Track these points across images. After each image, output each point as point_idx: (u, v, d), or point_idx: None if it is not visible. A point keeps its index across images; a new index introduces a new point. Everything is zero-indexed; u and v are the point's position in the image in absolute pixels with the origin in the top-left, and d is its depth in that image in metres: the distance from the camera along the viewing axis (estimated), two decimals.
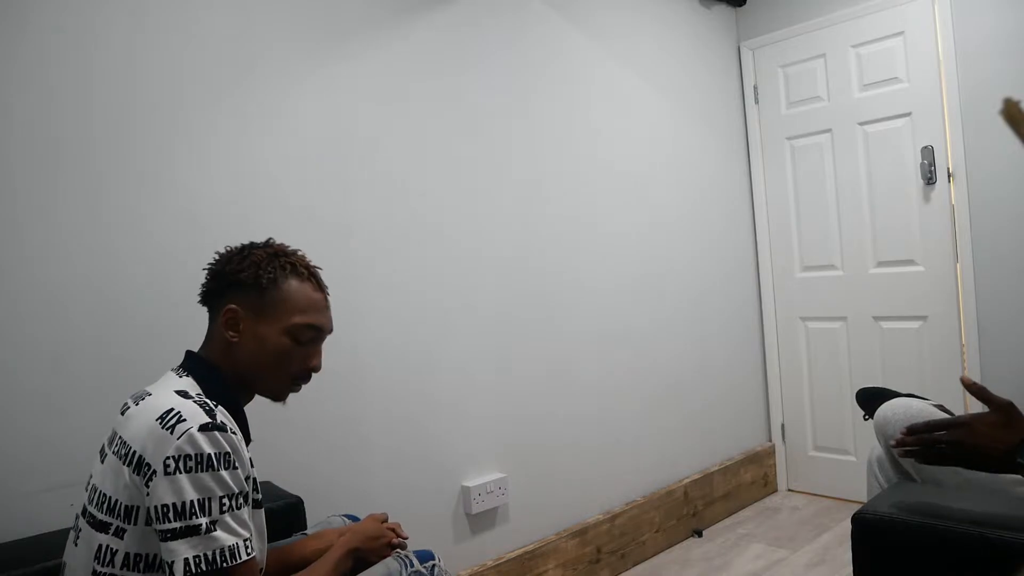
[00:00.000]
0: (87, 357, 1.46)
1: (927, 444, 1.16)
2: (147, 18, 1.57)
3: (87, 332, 1.47)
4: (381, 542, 1.27)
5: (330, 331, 1.20)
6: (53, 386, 1.42)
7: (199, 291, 1.16)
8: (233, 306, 1.10)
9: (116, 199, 1.52)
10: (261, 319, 1.11)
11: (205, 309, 1.17)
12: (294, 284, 1.14)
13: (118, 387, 1.44)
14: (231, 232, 1.29)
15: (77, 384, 1.44)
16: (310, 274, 1.18)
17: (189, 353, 1.14)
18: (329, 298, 1.22)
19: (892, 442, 1.24)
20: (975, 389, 1.17)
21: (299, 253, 1.19)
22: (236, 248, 1.16)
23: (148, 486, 0.94)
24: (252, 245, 1.16)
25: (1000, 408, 1.12)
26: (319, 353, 1.18)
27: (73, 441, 1.41)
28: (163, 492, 0.93)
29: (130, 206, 1.54)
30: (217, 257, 1.16)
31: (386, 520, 1.34)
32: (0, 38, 1.39)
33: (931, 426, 1.17)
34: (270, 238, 1.20)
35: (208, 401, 1.02)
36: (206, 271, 1.16)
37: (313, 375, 1.19)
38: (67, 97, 1.46)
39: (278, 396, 1.18)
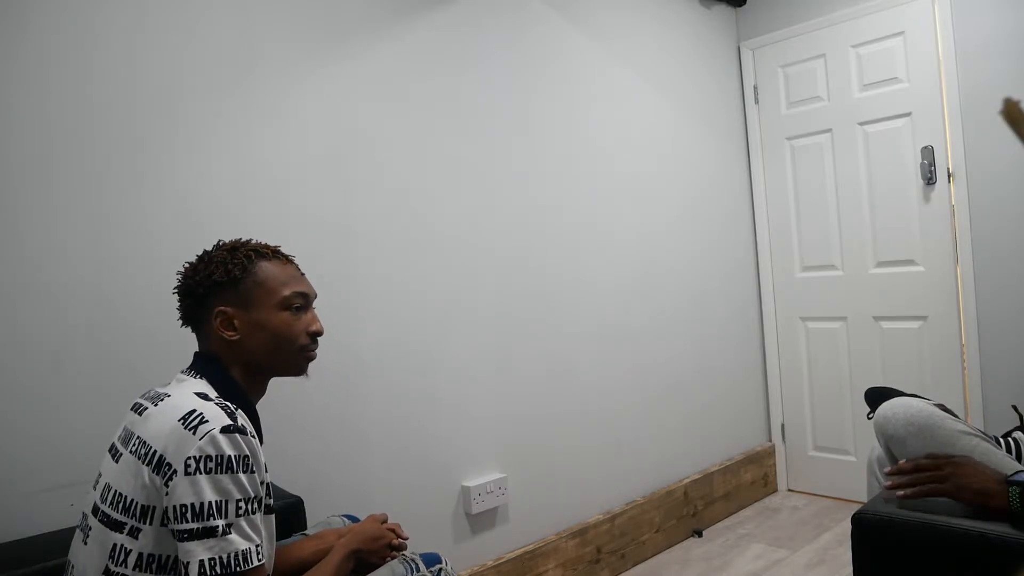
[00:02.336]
0: (87, 357, 1.46)
1: (920, 482, 1.22)
2: (147, 18, 1.57)
3: (87, 332, 1.47)
4: (381, 543, 1.27)
5: (315, 295, 1.22)
6: (53, 386, 1.42)
7: (178, 316, 1.17)
8: (222, 307, 1.11)
9: (116, 199, 1.52)
10: (252, 308, 1.12)
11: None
12: (265, 265, 1.15)
13: (118, 387, 1.44)
14: (231, 232, 1.29)
15: (77, 384, 1.44)
16: (273, 252, 1.19)
17: (198, 355, 1.14)
18: (298, 265, 1.22)
19: (887, 484, 1.27)
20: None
21: (252, 240, 1.20)
22: (193, 261, 1.17)
23: (168, 486, 0.94)
24: (206, 252, 1.17)
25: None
26: (316, 317, 1.20)
27: (73, 441, 1.41)
28: (182, 492, 0.93)
29: (130, 206, 1.54)
30: (180, 279, 1.16)
31: (386, 521, 1.34)
32: (0, 38, 1.39)
33: (925, 463, 1.23)
34: (219, 239, 1.20)
35: (229, 404, 1.02)
36: (176, 293, 1.16)
37: (319, 339, 1.21)
38: (67, 97, 1.46)
39: (299, 369, 1.19)
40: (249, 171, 1.72)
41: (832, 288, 3.00)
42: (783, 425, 3.20)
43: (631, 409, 2.61)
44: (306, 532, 1.42)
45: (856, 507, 1.26)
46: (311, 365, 1.74)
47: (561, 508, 2.35)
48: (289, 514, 1.47)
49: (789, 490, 3.19)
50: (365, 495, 1.86)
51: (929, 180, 2.66)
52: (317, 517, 1.54)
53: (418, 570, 1.25)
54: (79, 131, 1.47)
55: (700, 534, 2.76)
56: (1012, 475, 1.16)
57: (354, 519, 1.49)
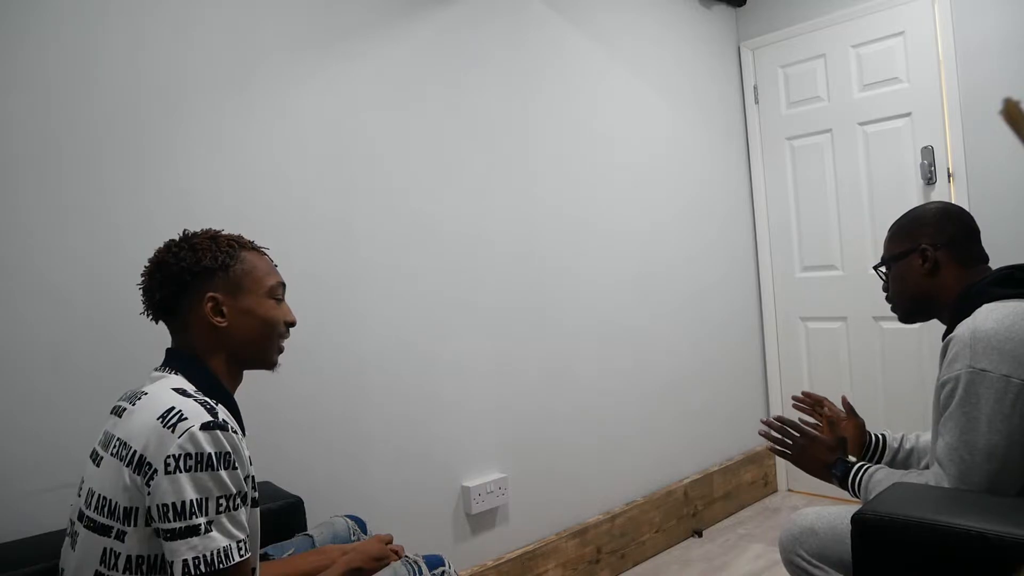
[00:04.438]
0: (89, 356, 1.46)
1: (782, 441, 1.53)
2: (149, 18, 1.57)
3: (89, 331, 1.47)
4: (384, 563, 1.27)
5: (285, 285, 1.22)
6: (54, 385, 1.42)
7: (153, 306, 1.12)
8: (212, 293, 1.10)
9: (119, 198, 1.52)
10: (240, 295, 1.12)
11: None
12: (247, 255, 1.15)
13: (120, 386, 1.43)
14: (233, 231, 1.29)
15: (78, 383, 1.44)
16: (251, 243, 1.19)
17: (171, 351, 1.13)
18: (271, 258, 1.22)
19: (762, 423, 1.60)
20: (848, 408, 1.63)
21: (224, 231, 1.18)
22: (170, 248, 1.13)
23: (149, 485, 0.94)
24: (182, 239, 1.14)
25: (836, 436, 1.52)
26: (289, 309, 1.20)
27: (74, 440, 1.40)
28: (164, 491, 0.92)
29: (132, 205, 1.54)
30: (153, 267, 1.12)
31: (391, 542, 1.34)
32: (0, 38, 1.39)
33: (792, 425, 1.53)
34: (184, 228, 1.17)
35: (208, 400, 1.01)
36: (151, 282, 1.12)
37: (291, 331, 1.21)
38: (70, 98, 1.46)
39: (274, 362, 1.19)
40: (250, 171, 1.72)
41: (832, 288, 3.00)
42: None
43: (631, 409, 2.61)
44: (307, 532, 1.43)
45: (855, 507, 1.26)
46: (309, 362, 1.74)
47: (561, 508, 2.35)
48: (289, 514, 1.47)
49: (789, 490, 3.19)
50: (365, 495, 1.86)
51: (929, 180, 2.66)
52: (317, 517, 1.54)
53: (420, 573, 1.25)
54: (82, 132, 1.47)
55: (700, 534, 2.76)
56: (838, 459, 1.45)
57: (357, 519, 1.49)
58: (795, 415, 1.69)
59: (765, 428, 1.56)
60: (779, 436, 1.54)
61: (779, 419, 1.55)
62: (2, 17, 1.39)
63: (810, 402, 1.66)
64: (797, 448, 1.51)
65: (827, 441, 1.51)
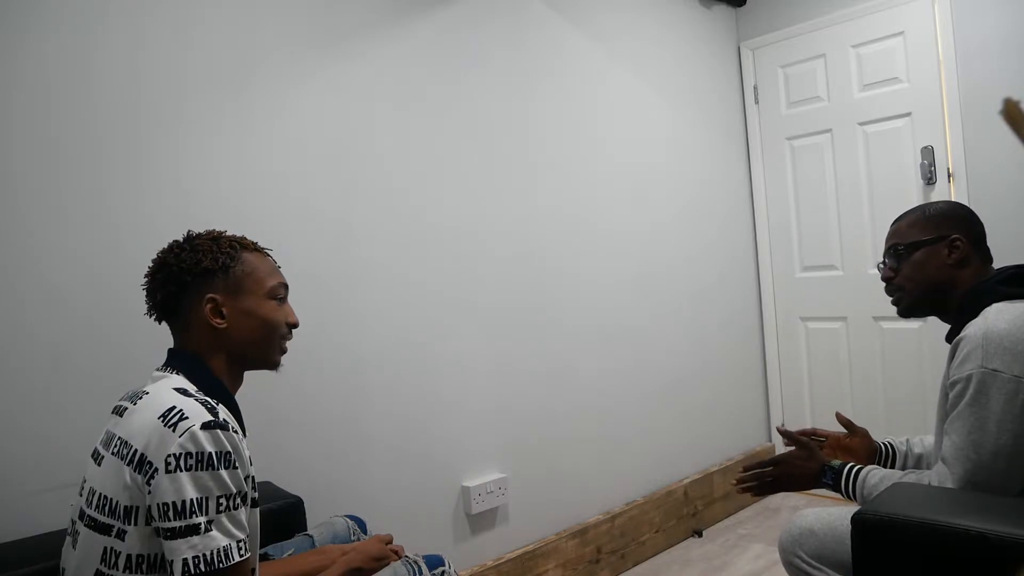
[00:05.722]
0: (89, 356, 1.46)
1: (759, 478, 1.51)
2: (148, 19, 1.57)
3: (90, 331, 1.47)
4: (384, 563, 1.27)
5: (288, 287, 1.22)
6: (55, 385, 1.42)
7: (156, 306, 1.12)
8: (212, 295, 1.10)
9: (119, 199, 1.52)
10: (240, 296, 1.12)
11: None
12: (249, 256, 1.15)
13: (120, 386, 1.43)
14: (234, 231, 1.29)
15: (78, 383, 1.44)
16: (253, 245, 1.19)
17: (173, 351, 1.13)
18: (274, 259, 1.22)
19: (733, 482, 1.59)
20: (788, 435, 1.55)
21: (226, 232, 1.18)
22: (172, 249, 1.13)
23: (150, 484, 0.94)
24: (180, 242, 1.15)
25: (805, 447, 1.50)
26: (292, 310, 1.20)
27: (74, 441, 1.40)
28: (164, 490, 0.93)
29: (133, 206, 1.54)
30: (156, 268, 1.12)
31: (391, 542, 1.34)
32: (1, 38, 1.39)
33: (760, 463, 1.52)
34: (189, 230, 1.18)
35: (209, 399, 1.02)
36: (152, 283, 1.12)
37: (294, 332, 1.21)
38: (70, 98, 1.46)
39: (276, 362, 1.19)
40: (250, 171, 1.72)
41: (832, 288, 3.00)
42: (783, 425, 3.20)
43: (631, 409, 2.61)
44: (307, 532, 1.43)
45: (855, 508, 1.26)
46: (309, 362, 1.74)
47: (561, 508, 2.35)
48: (289, 514, 1.47)
49: None
50: (365, 495, 1.86)
51: (929, 180, 2.66)
52: (317, 517, 1.54)
53: (420, 573, 1.25)
54: (82, 132, 1.47)
55: (700, 534, 2.76)
56: (829, 464, 1.44)
57: (357, 519, 1.49)
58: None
59: (739, 485, 1.54)
60: (754, 482, 1.52)
61: (745, 468, 1.54)
62: (2, 17, 1.39)
63: (792, 435, 1.56)
64: (776, 476, 1.50)
65: (798, 454, 1.49)
